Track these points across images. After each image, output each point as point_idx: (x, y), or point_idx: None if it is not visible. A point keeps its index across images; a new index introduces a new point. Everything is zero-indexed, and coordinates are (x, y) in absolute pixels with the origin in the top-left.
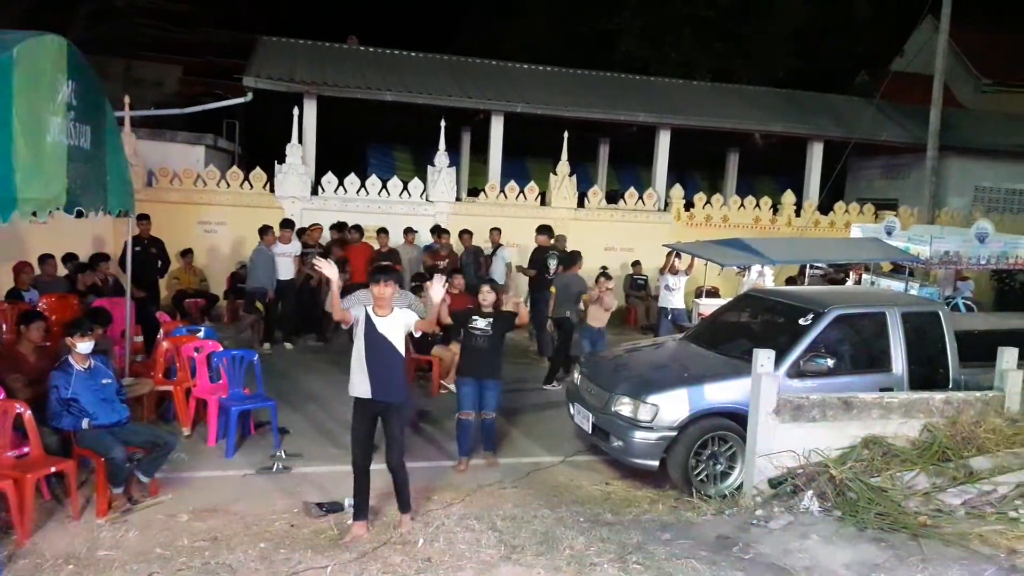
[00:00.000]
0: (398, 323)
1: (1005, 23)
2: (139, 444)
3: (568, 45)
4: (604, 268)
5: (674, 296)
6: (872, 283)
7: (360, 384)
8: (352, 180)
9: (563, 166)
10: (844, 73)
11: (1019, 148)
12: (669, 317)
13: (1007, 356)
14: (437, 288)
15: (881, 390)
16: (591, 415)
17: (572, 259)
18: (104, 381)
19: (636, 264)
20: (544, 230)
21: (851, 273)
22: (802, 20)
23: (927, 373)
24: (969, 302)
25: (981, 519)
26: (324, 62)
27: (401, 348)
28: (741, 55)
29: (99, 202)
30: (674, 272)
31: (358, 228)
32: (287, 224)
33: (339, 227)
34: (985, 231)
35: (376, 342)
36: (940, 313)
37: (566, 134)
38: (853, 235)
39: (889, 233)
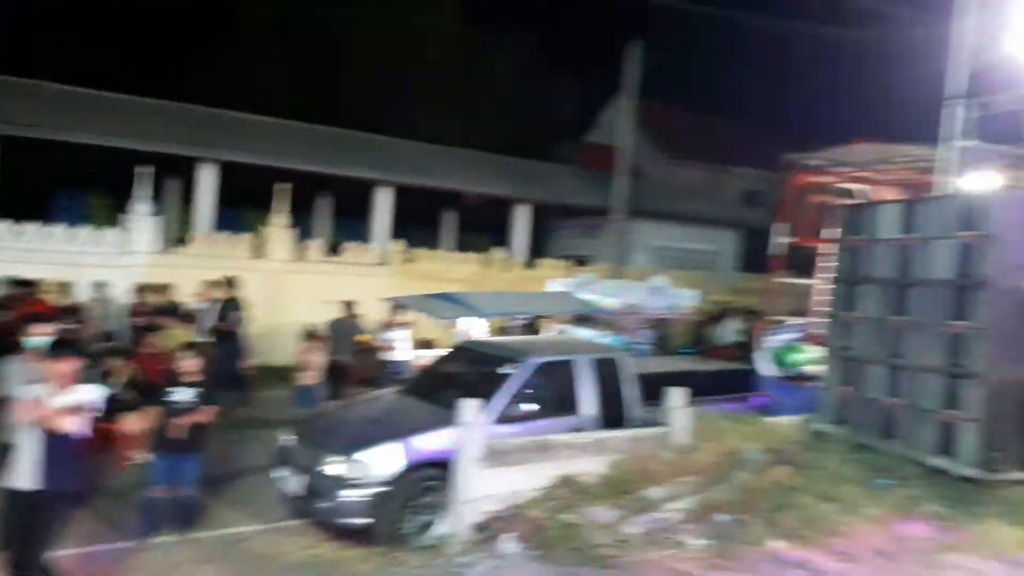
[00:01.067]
0: (78, 400)
1: (684, 104)
2: None
3: (295, 97)
4: (313, 326)
5: (395, 349)
6: (561, 331)
7: (23, 472)
8: (33, 227)
9: (280, 217)
10: (548, 141)
11: (690, 214)
12: (391, 370)
13: (674, 396)
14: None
15: (575, 431)
16: (301, 477)
17: (348, 307)
18: None
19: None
20: (227, 283)
21: (546, 323)
22: (510, 91)
23: (613, 413)
24: (651, 346)
25: (656, 545)
26: (9, 98)
27: (81, 428)
28: (459, 120)
29: None
30: (394, 326)
31: (27, 283)
32: None
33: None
34: (659, 285)
35: (51, 425)
36: (618, 359)
37: (286, 185)
38: (549, 289)
39: (582, 286)
